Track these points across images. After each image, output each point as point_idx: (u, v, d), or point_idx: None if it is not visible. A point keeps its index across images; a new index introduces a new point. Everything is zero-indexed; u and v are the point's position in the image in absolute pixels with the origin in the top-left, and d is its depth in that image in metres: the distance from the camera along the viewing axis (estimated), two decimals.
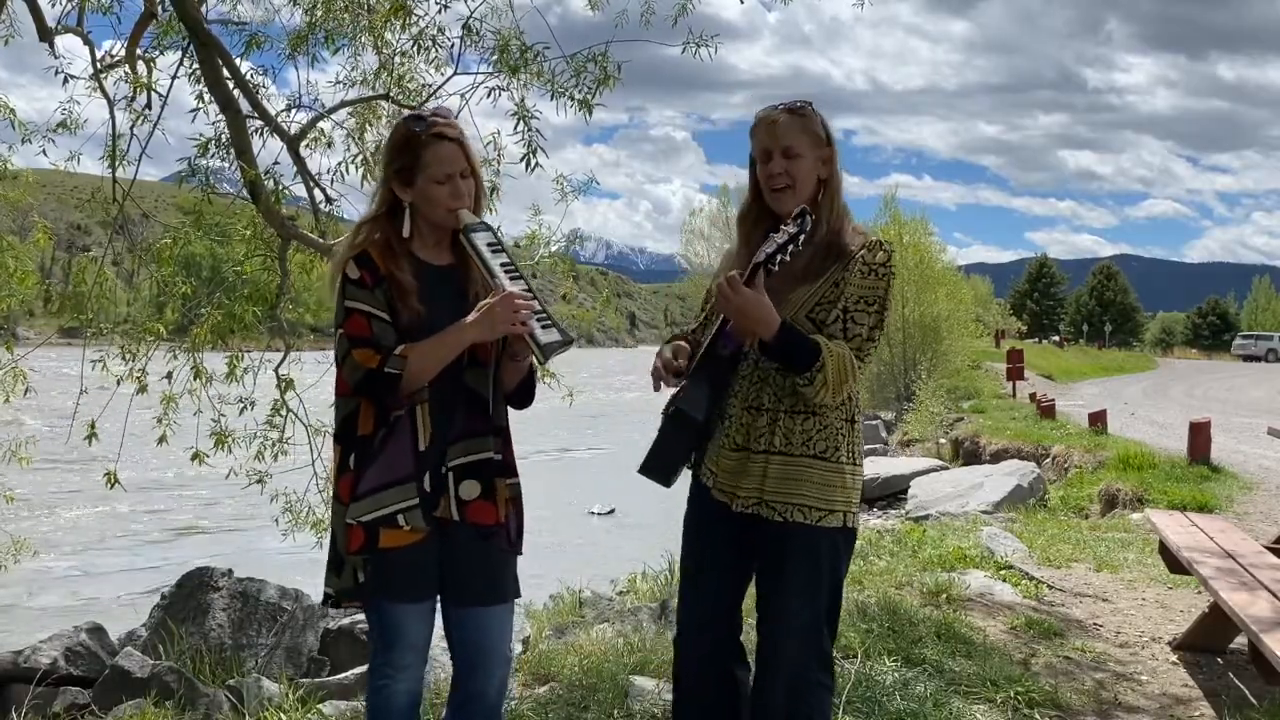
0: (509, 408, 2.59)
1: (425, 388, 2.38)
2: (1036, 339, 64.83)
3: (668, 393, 2.62)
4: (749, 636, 2.66)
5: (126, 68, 6.50)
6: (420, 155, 2.42)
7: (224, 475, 6.85)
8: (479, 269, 2.44)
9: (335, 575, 2.45)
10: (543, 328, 2.37)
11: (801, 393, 2.42)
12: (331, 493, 2.50)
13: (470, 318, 2.37)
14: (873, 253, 2.48)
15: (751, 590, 2.64)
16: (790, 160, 2.50)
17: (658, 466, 2.53)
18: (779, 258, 2.35)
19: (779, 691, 2.49)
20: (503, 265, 2.42)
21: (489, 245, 2.44)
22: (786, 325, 2.39)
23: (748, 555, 2.55)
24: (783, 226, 2.38)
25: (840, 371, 2.38)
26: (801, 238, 2.36)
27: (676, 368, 2.54)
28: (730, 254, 2.68)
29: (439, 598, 2.49)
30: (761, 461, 2.48)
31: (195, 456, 6.44)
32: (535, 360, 2.43)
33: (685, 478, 2.67)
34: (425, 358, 2.34)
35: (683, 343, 2.62)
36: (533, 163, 5.46)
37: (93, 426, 6.30)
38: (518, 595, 2.56)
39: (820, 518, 2.46)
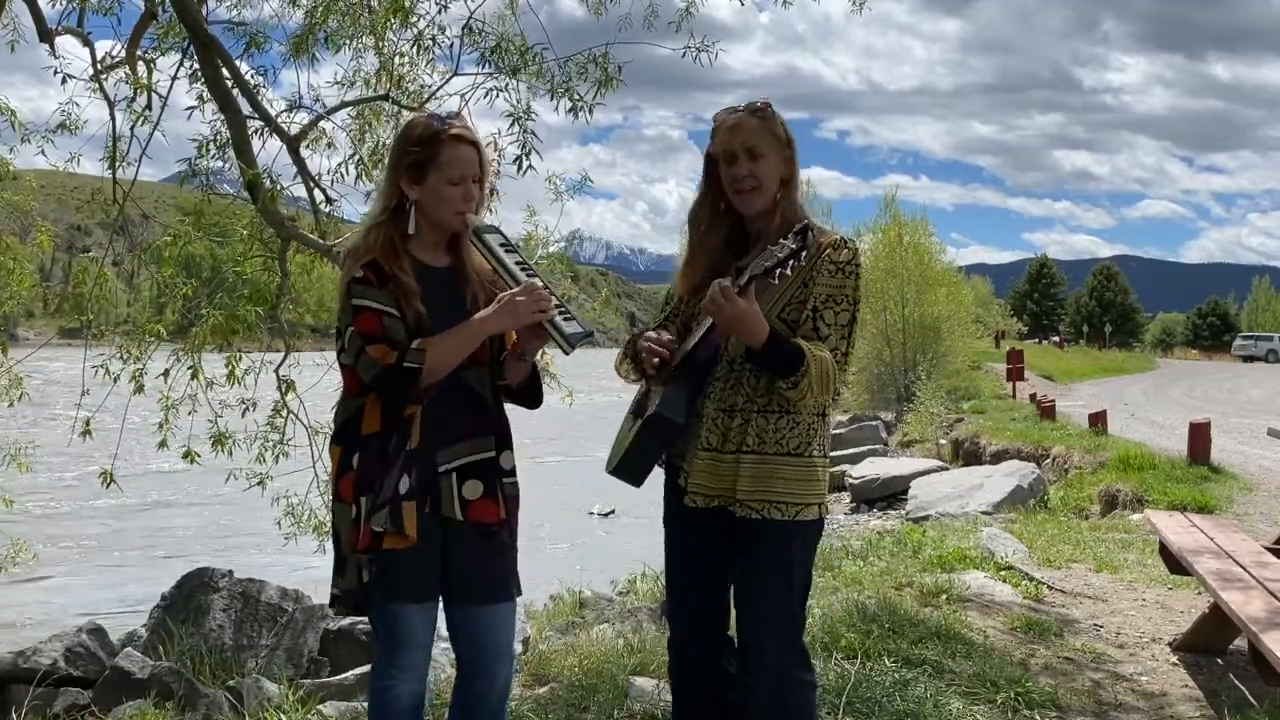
0: (520, 407, 2.59)
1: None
2: (1036, 339, 64.81)
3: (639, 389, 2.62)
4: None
5: (126, 69, 6.50)
6: (438, 152, 2.42)
7: (224, 480, 6.83)
8: (495, 269, 2.46)
9: (340, 576, 2.45)
10: (564, 319, 2.42)
11: (784, 395, 2.43)
12: (332, 494, 2.50)
13: (490, 309, 2.39)
14: (838, 251, 2.50)
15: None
16: (755, 162, 2.52)
17: (631, 469, 2.53)
18: (778, 271, 2.34)
19: (766, 692, 2.50)
20: (518, 263, 2.46)
21: (501, 246, 2.47)
22: (775, 334, 2.40)
23: (725, 552, 2.56)
24: (782, 241, 2.36)
25: (823, 376, 2.41)
26: (804, 254, 2.35)
27: (665, 352, 2.51)
28: (686, 253, 2.67)
29: (441, 599, 2.49)
30: (732, 461, 2.49)
31: (187, 455, 6.42)
32: (560, 350, 2.45)
33: (657, 476, 2.66)
34: (444, 351, 2.35)
35: (665, 333, 2.59)
36: (525, 165, 5.45)
37: (88, 424, 6.29)
38: (519, 593, 2.57)
39: (796, 512, 2.48)
